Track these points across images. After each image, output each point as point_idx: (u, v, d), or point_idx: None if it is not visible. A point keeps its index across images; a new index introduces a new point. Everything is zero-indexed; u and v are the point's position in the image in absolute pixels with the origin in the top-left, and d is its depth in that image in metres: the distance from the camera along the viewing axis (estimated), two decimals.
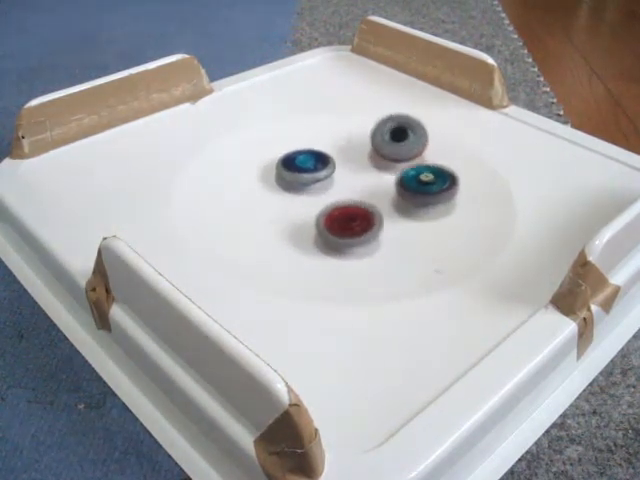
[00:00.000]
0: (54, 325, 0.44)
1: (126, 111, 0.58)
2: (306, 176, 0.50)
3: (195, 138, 0.56)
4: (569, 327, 0.37)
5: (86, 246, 0.39)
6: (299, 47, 0.86)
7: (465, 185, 0.50)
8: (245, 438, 0.30)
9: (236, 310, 0.39)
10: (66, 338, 0.43)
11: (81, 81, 0.56)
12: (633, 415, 0.39)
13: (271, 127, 0.58)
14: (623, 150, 0.54)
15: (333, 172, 0.51)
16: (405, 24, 0.70)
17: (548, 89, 0.76)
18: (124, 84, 0.57)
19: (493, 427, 0.34)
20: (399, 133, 0.52)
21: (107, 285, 0.38)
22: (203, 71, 0.62)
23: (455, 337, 0.37)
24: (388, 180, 0.51)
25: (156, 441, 0.37)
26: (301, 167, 0.50)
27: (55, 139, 0.54)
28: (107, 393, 0.40)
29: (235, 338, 0.30)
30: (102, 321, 0.39)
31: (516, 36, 0.92)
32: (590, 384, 0.40)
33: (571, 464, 0.36)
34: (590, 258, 0.37)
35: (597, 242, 0.37)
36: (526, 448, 0.36)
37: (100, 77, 0.56)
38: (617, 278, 0.40)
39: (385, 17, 0.72)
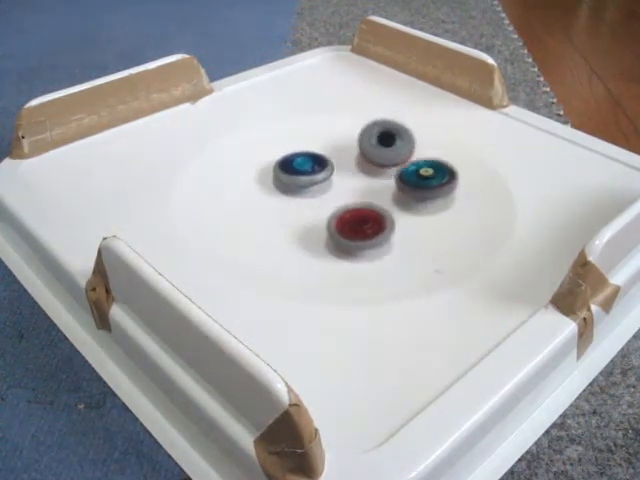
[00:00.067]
0: (54, 325, 0.44)
1: (126, 111, 0.58)
2: (303, 179, 0.50)
3: (195, 138, 0.56)
4: (569, 327, 0.37)
5: (86, 246, 0.39)
6: (299, 47, 0.86)
7: (465, 185, 0.50)
8: (245, 438, 0.30)
9: (236, 310, 0.39)
10: (66, 338, 0.43)
11: (81, 81, 0.56)
12: (633, 415, 0.39)
13: (271, 127, 0.58)
14: (623, 150, 0.54)
15: (331, 174, 0.51)
16: (405, 24, 0.70)
17: (548, 89, 0.76)
18: (124, 84, 0.57)
19: (493, 427, 0.34)
20: (386, 138, 0.52)
21: (107, 285, 0.38)
22: (203, 71, 0.62)
23: (455, 337, 0.37)
24: (387, 180, 0.51)
25: (156, 441, 0.37)
26: (299, 169, 0.50)
27: (55, 139, 0.54)
28: (107, 393, 0.40)
29: (235, 338, 0.30)
30: (102, 321, 0.39)
31: (516, 36, 0.92)
32: (590, 384, 0.40)
33: (571, 464, 0.36)
34: (590, 258, 0.37)
35: (597, 242, 0.37)
36: (526, 448, 0.36)
37: (100, 77, 0.56)
38: (617, 278, 0.40)
39: (385, 17, 0.72)
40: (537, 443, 0.37)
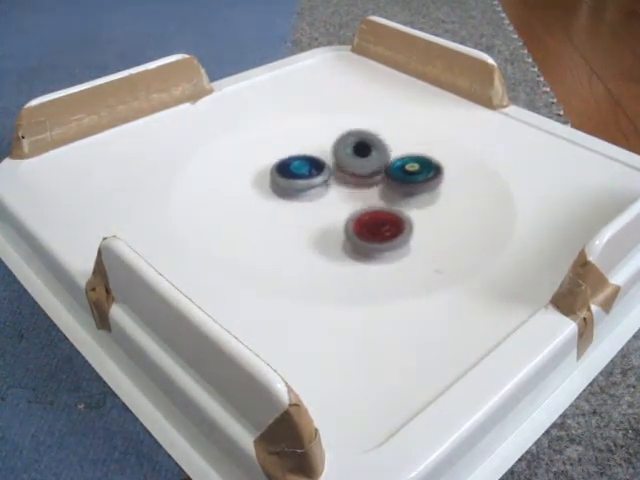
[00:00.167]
0: (54, 325, 0.44)
1: (126, 111, 0.58)
2: (300, 182, 0.50)
3: (195, 138, 0.56)
4: (569, 327, 0.37)
5: (86, 246, 0.39)
6: (299, 47, 0.86)
7: (465, 185, 0.50)
8: (245, 438, 0.30)
9: (236, 310, 0.39)
10: (66, 338, 0.43)
11: (81, 81, 0.56)
12: (633, 415, 0.39)
13: (271, 127, 0.58)
14: (623, 150, 0.54)
15: (328, 178, 0.51)
16: (405, 24, 0.70)
17: (548, 89, 0.76)
18: (124, 84, 0.57)
19: (493, 427, 0.34)
20: (361, 149, 0.52)
21: (107, 285, 0.38)
22: (203, 71, 0.62)
23: (455, 337, 0.37)
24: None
25: (156, 441, 0.37)
26: (296, 173, 0.50)
27: (55, 139, 0.54)
28: (107, 393, 0.40)
29: (235, 338, 0.30)
30: (102, 321, 0.39)
31: (516, 36, 0.92)
32: (590, 384, 0.40)
33: (571, 464, 0.36)
34: (590, 258, 0.37)
35: (597, 242, 0.37)
36: (526, 448, 0.36)
37: (100, 77, 0.56)
38: (617, 278, 0.40)
39: (385, 17, 0.72)
40: (537, 443, 0.37)
